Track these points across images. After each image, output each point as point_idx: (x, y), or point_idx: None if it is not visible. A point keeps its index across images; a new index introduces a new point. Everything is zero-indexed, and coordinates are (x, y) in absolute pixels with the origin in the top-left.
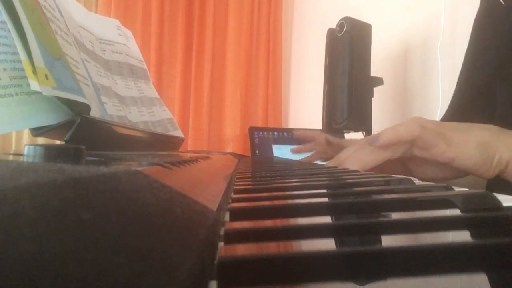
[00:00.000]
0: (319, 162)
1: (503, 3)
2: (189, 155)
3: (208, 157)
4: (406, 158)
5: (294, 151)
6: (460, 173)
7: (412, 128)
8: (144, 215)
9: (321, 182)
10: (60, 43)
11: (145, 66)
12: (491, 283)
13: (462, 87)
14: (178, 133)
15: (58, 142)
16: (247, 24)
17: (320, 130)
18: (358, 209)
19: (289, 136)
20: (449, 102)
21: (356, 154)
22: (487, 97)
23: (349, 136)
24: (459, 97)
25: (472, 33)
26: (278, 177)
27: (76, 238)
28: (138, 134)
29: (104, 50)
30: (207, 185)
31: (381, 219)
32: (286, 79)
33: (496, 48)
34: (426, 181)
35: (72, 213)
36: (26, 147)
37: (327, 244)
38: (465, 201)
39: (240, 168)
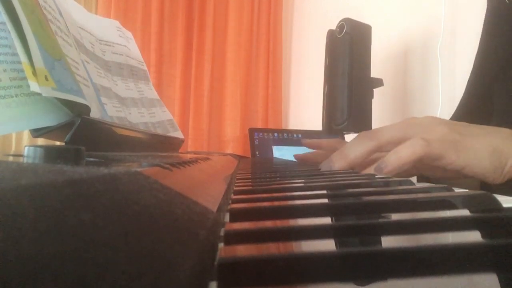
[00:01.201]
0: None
1: (507, 1)
2: (189, 156)
3: (208, 158)
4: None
5: (298, 158)
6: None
7: (416, 148)
8: (144, 216)
9: (321, 183)
10: (60, 44)
11: (145, 67)
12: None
13: (470, 88)
14: (178, 134)
15: (58, 143)
16: (247, 24)
17: (338, 138)
18: (358, 210)
19: (289, 137)
20: (449, 102)
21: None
22: (488, 100)
23: (350, 137)
24: (467, 97)
25: (481, 33)
26: (278, 178)
27: (76, 239)
28: (138, 135)
29: (104, 51)
30: (207, 186)
31: (381, 220)
32: (286, 79)
33: (500, 49)
34: (435, 178)
35: (72, 214)
36: (26, 148)
37: (327, 245)
38: (465, 202)
39: (240, 169)
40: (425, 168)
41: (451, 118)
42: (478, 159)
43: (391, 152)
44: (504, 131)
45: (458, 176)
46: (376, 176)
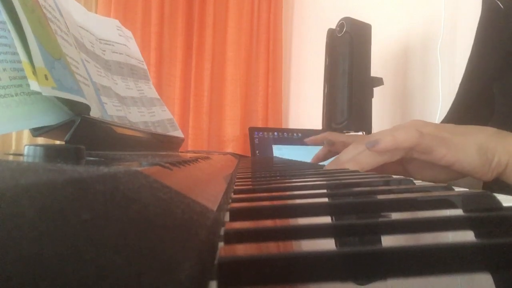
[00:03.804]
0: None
1: (502, 7)
2: (189, 155)
3: (208, 158)
4: (405, 160)
5: (314, 161)
6: (459, 175)
7: (410, 134)
8: (144, 215)
9: (321, 182)
10: (60, 43)
11: (145, 67)
12: (494, 283)
13: (463, 91)
14: (178, 133)
15: (58, 142)
16: (247, 24)
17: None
18: (358, 209)
19: (289, 137)
20: (449, 102)
21: (355, 157)
22: (485, 103)
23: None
24: (459, 101)
25: (475, 37)
26: (278, 177)
27: (76, 238)
28: (138, 134)
29: (104, 50)
30: (207, 185)
31: (381, 219)
32: (286, 79)
33: (496, 54)
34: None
35: (72, 213)
36: (26, 147)
37: (327, 244)
38: (465, 201)
39: (240, 168)
40: (413, 167)
41: (442, 121)
42: (467, 155)
43: (387, 133)
44: (489, 129)
45: (445, 178)
46: (377, 176)
